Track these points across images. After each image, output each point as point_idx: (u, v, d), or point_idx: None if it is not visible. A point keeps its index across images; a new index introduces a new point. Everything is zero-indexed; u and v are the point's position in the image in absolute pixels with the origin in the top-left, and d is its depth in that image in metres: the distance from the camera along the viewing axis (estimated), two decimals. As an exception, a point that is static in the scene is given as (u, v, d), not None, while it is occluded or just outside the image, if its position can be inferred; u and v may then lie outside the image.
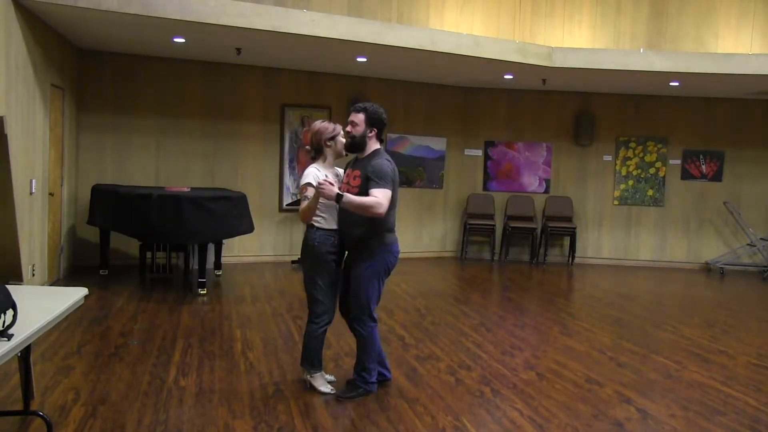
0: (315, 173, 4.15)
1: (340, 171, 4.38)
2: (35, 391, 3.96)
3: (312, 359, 4.30)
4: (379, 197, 3.97)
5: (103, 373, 4.52)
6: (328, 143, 4.26)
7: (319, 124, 4.31)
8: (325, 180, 3.94)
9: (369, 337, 4.23)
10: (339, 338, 5.44)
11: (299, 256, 4.39)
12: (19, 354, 3.33)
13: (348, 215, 4.11)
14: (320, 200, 4.04)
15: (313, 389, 4.32)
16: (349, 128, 4.19)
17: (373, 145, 4.20)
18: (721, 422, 4.10)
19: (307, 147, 4.36)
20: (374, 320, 4.25)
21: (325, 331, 4.29)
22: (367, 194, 4.01)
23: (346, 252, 4.32)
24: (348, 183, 4.16)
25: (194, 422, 3.77)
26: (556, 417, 4.07)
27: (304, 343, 4.32)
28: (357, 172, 4.13)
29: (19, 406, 3.78)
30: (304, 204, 4.13)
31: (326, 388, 4.31)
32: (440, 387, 4.52)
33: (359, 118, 4.16)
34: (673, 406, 4.35)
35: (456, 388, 4.52)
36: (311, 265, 4.22)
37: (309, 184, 4.10)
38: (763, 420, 4.18)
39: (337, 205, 4.08)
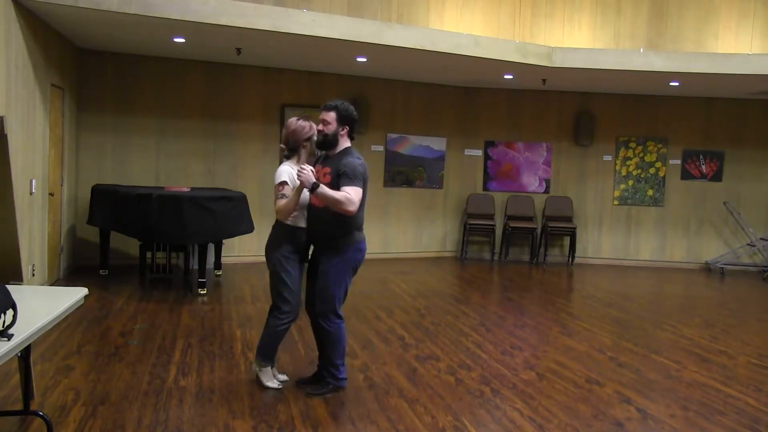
0: (289, 171, 4.17)
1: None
2: (35, 391, 3.95)
3: (267, 352, 4.33)
4: (351, 194, 3.99)
5: (103, 373, 4.52)
6: (305, 143, 4.25)
7: (295, 123, 4.26)
8: (305, 168, 3.97)
9: (336, 333, 4.25)
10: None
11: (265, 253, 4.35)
12: (19, 354, 3.33)
13: (318, 212, 4.13)
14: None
15: (259, 382, 4.35)
16: (320, 126, 4.18)
17: (344, 143, 4.21)
18: (721, 422, 4.10)
19: (282, 146, 4.34)
20: (340, 317, 4.26)
21: (288, 327, 4.32)
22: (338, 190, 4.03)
23: (312, 248, 4.33)
24: (317, 180, 4.16)
25: (194, 422, 3.77)
26: (556, 417, 4.07)
27: (263, 336, 4.35)
28: (327, 169, 4.13)
29: (19, 406, 3.78)
30: (283, 201, 4.12)
31: (273, 383, 4.34)
32: (440, 387, 4.52)
33: (330, 116, 4.15)
34: (673, 406, 4.35)
35: (456, 388, 4.52)
36: (279, 261, 4.20)
37: (285, 183, 4.12)
38: (763, 420, 4.18)
39: (306, 203, 4.14)
